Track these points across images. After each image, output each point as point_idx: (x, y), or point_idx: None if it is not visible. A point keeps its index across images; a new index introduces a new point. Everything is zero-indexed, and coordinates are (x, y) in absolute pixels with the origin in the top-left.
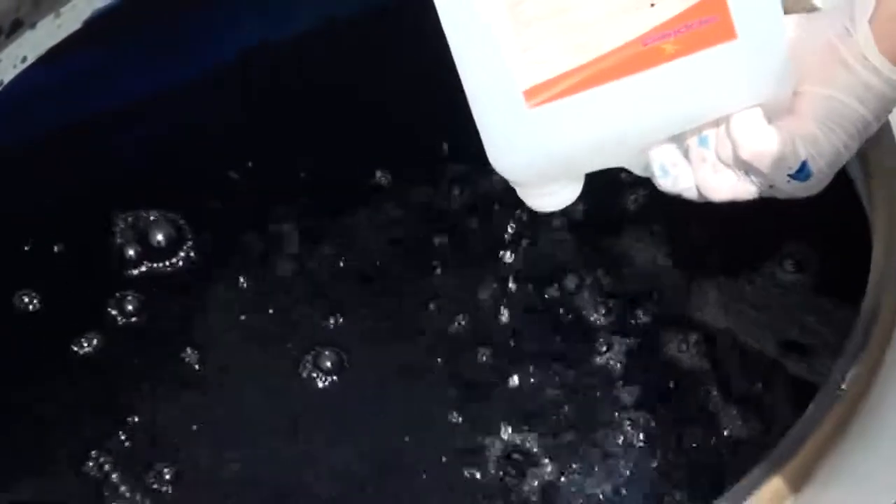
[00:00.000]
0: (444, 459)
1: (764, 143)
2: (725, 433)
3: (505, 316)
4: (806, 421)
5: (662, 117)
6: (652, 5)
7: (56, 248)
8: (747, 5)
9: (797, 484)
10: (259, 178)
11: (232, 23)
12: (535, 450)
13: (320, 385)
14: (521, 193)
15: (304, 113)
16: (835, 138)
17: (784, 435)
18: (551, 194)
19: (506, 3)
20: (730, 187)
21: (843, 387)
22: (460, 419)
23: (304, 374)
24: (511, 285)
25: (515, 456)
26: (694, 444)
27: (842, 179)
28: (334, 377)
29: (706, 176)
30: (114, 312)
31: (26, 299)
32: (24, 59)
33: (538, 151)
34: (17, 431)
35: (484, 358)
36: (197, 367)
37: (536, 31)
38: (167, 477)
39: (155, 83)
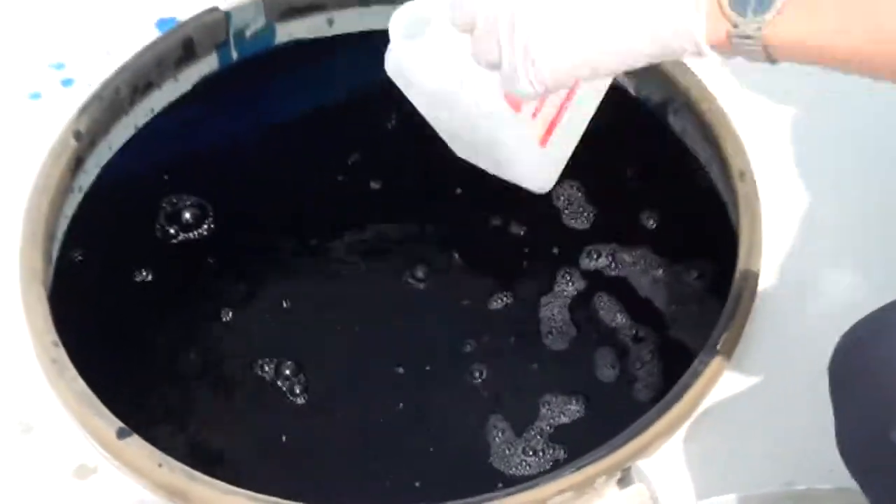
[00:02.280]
0: None
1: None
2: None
3: None
4: (691, 372)
5: None
6: None
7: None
8: None
9: (683, 419)
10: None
11: (291, 89)
12: None
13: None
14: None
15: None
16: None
17: (676, 382)
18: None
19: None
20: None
21: (718, 347)
22: None
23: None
24: None
25: None
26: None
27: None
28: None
29: None
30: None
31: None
32: (153, 111)
33: (556, 168)
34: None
35: None
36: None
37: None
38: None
39: (238, 129)
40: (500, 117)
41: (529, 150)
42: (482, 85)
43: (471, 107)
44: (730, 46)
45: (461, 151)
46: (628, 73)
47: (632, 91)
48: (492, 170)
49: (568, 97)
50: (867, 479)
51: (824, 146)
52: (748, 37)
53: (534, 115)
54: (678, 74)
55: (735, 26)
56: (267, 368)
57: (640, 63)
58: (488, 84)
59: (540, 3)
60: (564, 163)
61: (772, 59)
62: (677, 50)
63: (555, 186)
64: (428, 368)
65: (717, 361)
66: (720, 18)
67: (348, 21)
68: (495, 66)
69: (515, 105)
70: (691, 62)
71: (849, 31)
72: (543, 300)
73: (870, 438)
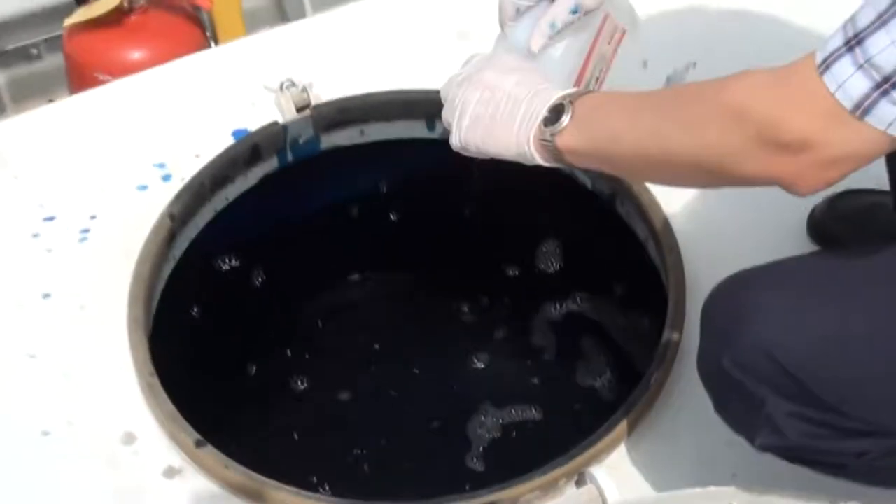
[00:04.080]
0: None
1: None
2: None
3: None
4: (628, 403)
5: None
6: None
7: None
8: None
9: (630, 430)
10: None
11: (332, 184)
12: None
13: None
14: None
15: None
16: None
17: (626, 400)
18: None
19: None
20: None
21: (652, 381)
22: None
23: None
24: None
25: None
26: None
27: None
28: None
29: None
30: None
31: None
32: (228, 199)
33: None
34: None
35: None
36: None
37: None
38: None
39: (291, 213)
40: None
41: None
42: None
43: None
44: (544, 149)
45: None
46: (587, 173)
47: (589, 186)
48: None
49: None
50: (716, 397)
51: (738, 223)
52: (548, 141)
53: None
54: None
55: (542, 135)
56: (322, 393)
57: (511, 160)
58: None
59: (466, 113)
60: None
61: (563, 161)
62: (528, 159)
63: (539, 250)
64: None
65: (647, 395)
66: (539, 137)
67: (377, 131)
68: (449, 126)
69: None
70: None
71: (595, 141)
72: (534, 327)
73: (714, 365)
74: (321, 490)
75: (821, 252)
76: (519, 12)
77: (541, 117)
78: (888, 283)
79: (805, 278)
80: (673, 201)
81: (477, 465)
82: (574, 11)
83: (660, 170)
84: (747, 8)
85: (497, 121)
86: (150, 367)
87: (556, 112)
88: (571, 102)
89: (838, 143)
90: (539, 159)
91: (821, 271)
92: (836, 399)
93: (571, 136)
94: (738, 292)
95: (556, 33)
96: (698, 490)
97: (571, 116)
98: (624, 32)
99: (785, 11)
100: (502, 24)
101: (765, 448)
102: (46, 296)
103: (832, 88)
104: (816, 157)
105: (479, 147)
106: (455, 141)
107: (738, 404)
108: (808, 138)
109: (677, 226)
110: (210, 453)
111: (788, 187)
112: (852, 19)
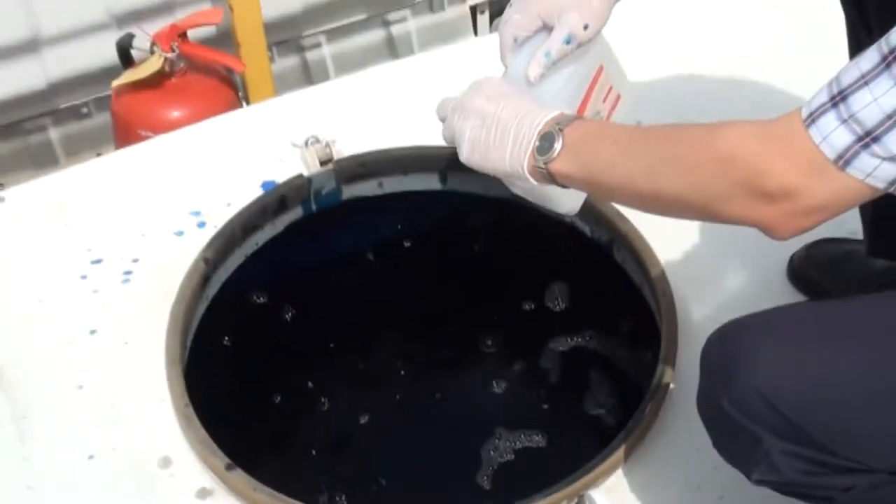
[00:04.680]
0: None
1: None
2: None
3: None
4: (623, 433)
5: None
6: None
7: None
8: None
9: (626, 456)
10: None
11: (352, 232)
12: None
13: None
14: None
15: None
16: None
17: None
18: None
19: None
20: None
21: (646, 412)
22: None
23: None
24: None
25: None
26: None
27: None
28: None
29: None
30: None
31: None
32: (257, 244)
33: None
34: None
35: None
36: None
37: None
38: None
39: (315, 258)
40: None
41: (564, 190)
42: None
43: None
44: (537, 174)
45: (517, 191)
46: (586, 221)
47: (588, 234)
48: (538, 202)
49: None
50: (716, 435)
51: (724, 269)
52: (541, 168)
53: None
54: (619, 223)
55: (535, 162)
56: (344, 416)
57: (506, 177)
58: None
59: (464, 140)
60: (583, 200)
61: (556, 183)
62: (524, 180)
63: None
64: None
65: (641, 425)
66: (533, 163)
67: (394, 184)
68: (451, 143)
69: None
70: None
71: (588, 168)
72: (545, 360)
73: (714, 406)
74: (337, 500)
75: (809, 301)
76: (517, 43)
77: (532, 145)
78: (871, 331)
79: (796, 326)
80: (667, 249)
81: (486, 484)
82: (567, 41)
83: (647, 202)
84: (738, 74)
85: (490, 145)
86: (185, 398)
87: (547, 140)
88: (561, 130)
89: (818, 194)
90: (533, 181)
91: (810, 319)
92: (826, 439)
93: (564, 163)
94: (735, 338)
95: (552, 63)
96: None
97: (563, 144)
98: (618, 98)
99: (777, 79)
100: (502, 56)
101: (760, 483)
102: (93, 332)
103: (817, 140)
104: (796, 207)
105: (481, 168)
106: (462, 159)
107: (736, 442)
108: (790, 189)
109: (670, 271)
110: (240, 476)
111: (767, 231)
112: (837, 79)
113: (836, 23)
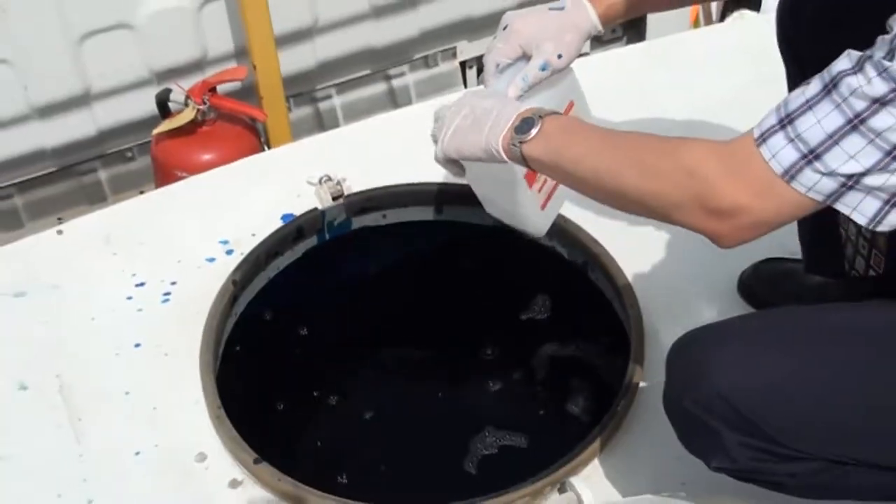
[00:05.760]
0: None
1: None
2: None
3: None
4: (601, 426)
5: None
6: None
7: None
8: None
9: (602, 447)
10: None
11: (361, 258)
12: None
13: None
14: (534, 233)
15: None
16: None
17: (596, 427)
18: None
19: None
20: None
21: (619, 408)
22: None
23: None
24: None
25: None
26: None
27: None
28: None
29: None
30: None
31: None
32: (278, 268)
33: (548, 222)
34: None
35: None
36: None
37: (536, 186)
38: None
39: (328, 281)
40: (522, 189)
41: (535, 210)
42: (512, 171)
43: (504, 182)
44: (510, 152)
45: (491, 210)
46: (563, 244)
47: (566, 255)
48: (507, 220)
49: (555, 186)
50: (680, 430)
51: (684, 284)
52: (515, 146)
53: (539, 190)
54: (592, 246)
55: (511, 140)
56: (354, 414)
57: (483, 159)
58: (516, 170)
59: (451, 127)
60: (553, 220)
61: (525, 165)
62: (496, 157)
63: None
64: None
65: (614, 420)
66: (508, 140)
67: (396, 215)
68: (435, 141)
69: (530, 183)
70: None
71: (558, 156)
72: (533, 364)
73: (678, 405)
74: (339, 479)
75: (757, 312)
76: (499, 68)
77: (510, 122)
78: (811, 336)
79: (748, 334)
80: (634, 268)
81: (476, 473)
82: (543, 68)
83: (609, 198)
84: (702, 118)
85: (471, 127)
86: (217, 401)
87: (526, 123)
88: (541, 118)
89: (765, 211)
90: (505, 158)
91: (759, 328)
92: (775, 431)
93: (536, 147)
94: (695, 346)
95: (529, 87)
96: (654, 496)
97: (540, 130)
98: None
99: (731, 122)
100: (486, 80)
101: (718, 470)
102: (137, 345)
103: (767, 157)
104: (743, 222)
105: (457, 152)
106: (437, 153)
107: (697, 435)
108: (740, 207)
109: (637, 287)
110: (266, 468)
111: (714, 240)
112: (784, 104)
113: (778, 78)
